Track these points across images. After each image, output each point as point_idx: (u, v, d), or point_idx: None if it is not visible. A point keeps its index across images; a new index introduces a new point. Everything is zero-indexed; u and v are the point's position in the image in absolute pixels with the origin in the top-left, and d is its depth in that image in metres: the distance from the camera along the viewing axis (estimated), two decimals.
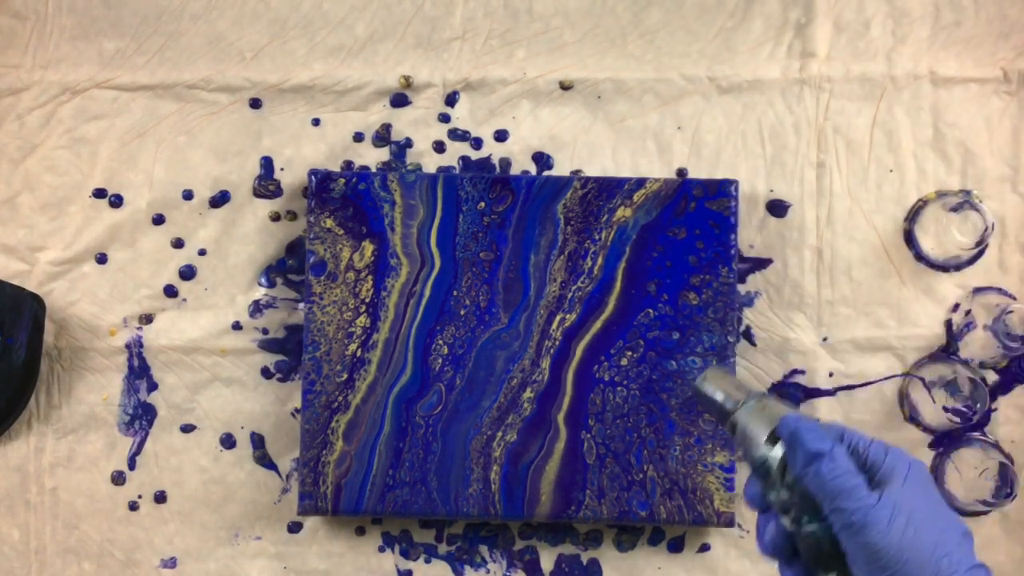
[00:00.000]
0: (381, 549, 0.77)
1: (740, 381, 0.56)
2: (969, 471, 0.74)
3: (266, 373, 0.77)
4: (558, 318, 0.73)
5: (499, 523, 0.76)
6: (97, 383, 0.77)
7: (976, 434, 0.75)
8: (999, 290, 0.76)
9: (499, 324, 0.73)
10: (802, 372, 0.76)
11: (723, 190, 0.74)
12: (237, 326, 0.77)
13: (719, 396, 0.55)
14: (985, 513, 0.75)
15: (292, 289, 0.78)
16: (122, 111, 0.78)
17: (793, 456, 0.52)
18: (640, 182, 0.74)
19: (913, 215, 0.76)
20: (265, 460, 0.77)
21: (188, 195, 0.78)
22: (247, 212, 0.78)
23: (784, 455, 0.52)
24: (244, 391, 0.77)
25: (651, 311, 0.73)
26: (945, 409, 0.74)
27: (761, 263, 0.77)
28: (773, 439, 0.53)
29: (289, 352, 0.77)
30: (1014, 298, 0.76)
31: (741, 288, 0.76)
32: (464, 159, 0.78)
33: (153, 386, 0.77)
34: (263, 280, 0.78)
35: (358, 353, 0.73)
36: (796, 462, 0.51)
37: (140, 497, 0.77)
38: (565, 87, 0.78)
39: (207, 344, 0.77)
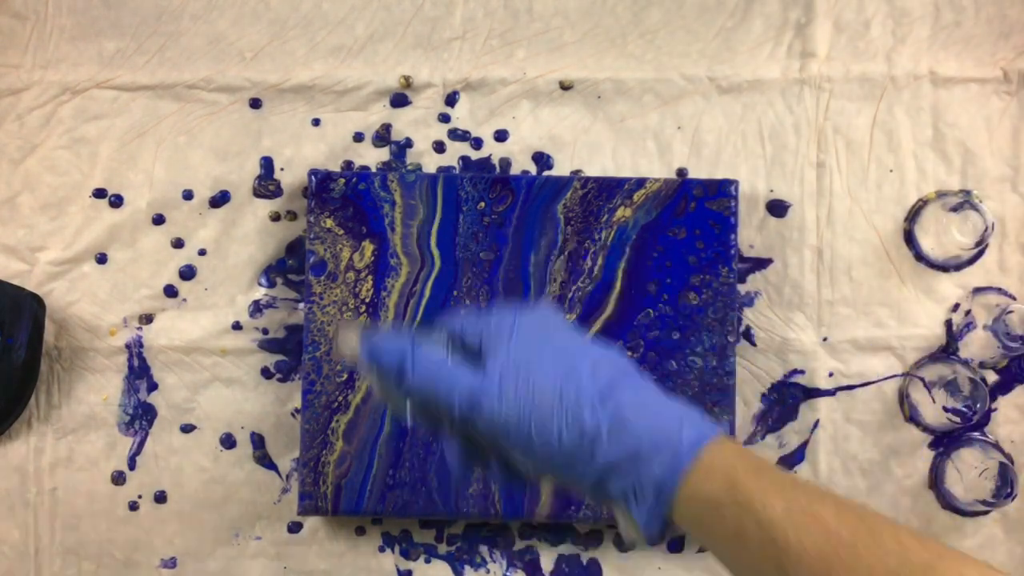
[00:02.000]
0: (381, 549, 0.77)
1: (357, 326, 0.53)
2: (969, 471, 0.74)
3: (266, 373, 0.77)
4: None
5: (499, 523, 0.76)
6: (97, 383, 0.77)
7: (976, 434, 0.75)
8: (999, 290, 0.76)
9: None
10: (802, 372, 0.76)
11: (723, 190, 0.74)
12: (237, 326, 0.77)
13: (348, 355, 0.52)
14: (985, 513, 0.75)
15: (292, 289, 0.78)
16: (122, 111, 0.78)
17: (387, 383, 0.49)
18: (640, 182, 0.74)
19: (913, 215, 0.76)
20: (265, 460, 0.77)
21: (188, 195, 0.78)
22: (247, 212, 0.78)
23: None
24: (244, 391, 0.77)
25: (651, 311, 0.73)
26: (945, 409, 0.74)
27: (761, 263, 0.77)
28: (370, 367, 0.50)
29: (289, 352, 0.77)
30: (1014, 298, 0.76)
31: (741, 288, 0.76)
32: (464, 159, 0.78)
33: (153, 386, 0.77)
34: (263, 280, 0.78)
35: None
36: (390, 386, 0.49)
37: (140, 497, 0.77)
38: (565, 87, 0.78)
39: (207, 344, 0.77)
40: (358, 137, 0.78)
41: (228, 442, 0.77)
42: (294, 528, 0.77)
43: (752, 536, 0.43)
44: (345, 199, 0.74)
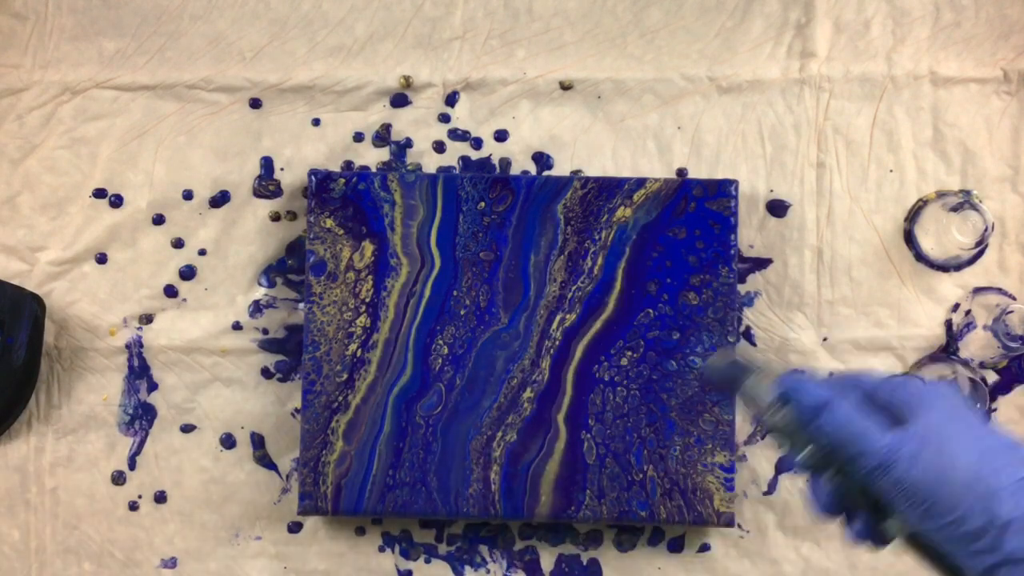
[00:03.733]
0: (381, 549, 0.77)
1: (743, 357, 0.55)
2: None
3: (266, 373, 0.77)
4: (558, 318, 0.73)
5: (499, 523, 0.76)
6: (97, 383, 0.77)
7: None
8: (999, 290, 0.76)
9: (499, 324, 0.73)
10: (802, 372, 0.76)
11: (723, 190, 0.74)
12: (237, 326, 0.77)
13: (727, 378, 0.54)
14: None
15: (292, 289, 0.78)
16: (122, 111, 0.78)
17: (799, 415, 0.50)
18: (640, 182, 0.74)
19: (913, 215, 0.76)
20: (265, 460, 0.77)
21: (188, 195, 0.78)
22: (247, 212, 0.78)
23: (794, 415, 0.51)
24: (244, 391, 0.77)
25: (651, 311, 0.73)
26: None
27: (761, 263, 0.77)
28: (782, 402, 0.51)
29: (289, 352, 0.77)
30: (1014, 298, 0.76)
31: (741, 288, 0.76)
32: (464, 159, 0.78)
33: (153, 386, 0.77)
34: (263, 280, 0.78)
35: (358, 353, 0.73)
36: (802, 420, 0.50)
37: (140, 497, 0.77)
38: (565, 87, 0.78)
39: (207, 344, 0.77)
40: (358, 137, 0.78)
41: (228, 442, 0.77)
42: (294, 528, 0.77)
43: None
44: (345, 199, 0.74)
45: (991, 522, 0.46)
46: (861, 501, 0.50)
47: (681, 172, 0.77)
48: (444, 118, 0.78)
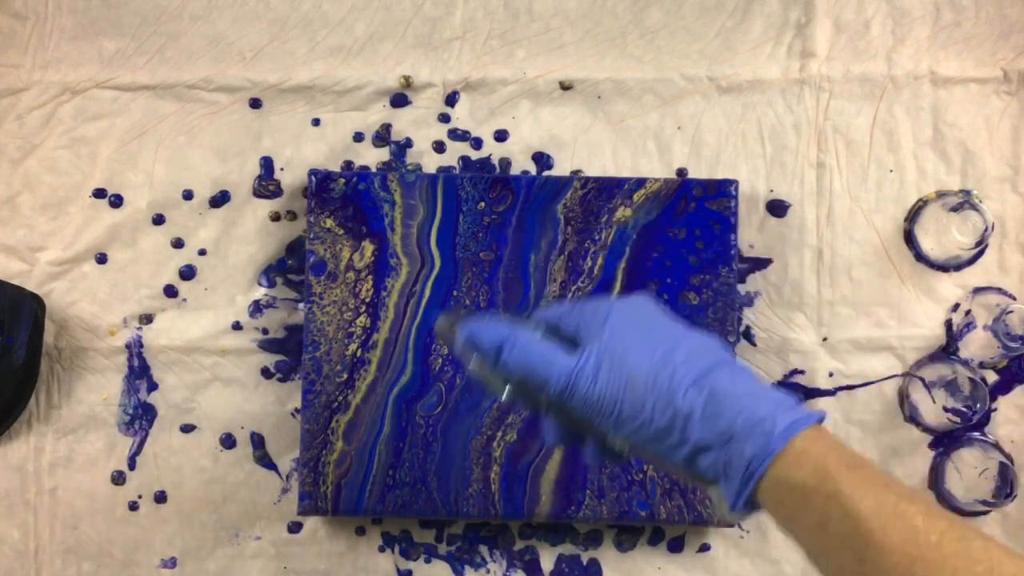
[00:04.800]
0: (381, 549, 0.77)
1: (459, 312, 0.55)
2: (969, 471, 0.74)
3: (266, 373, 0.77)
4: None
5: (499, 523, 0.76)
6: (97, 383, 0.77)
7: (976, 434, 0.75)
8: (999, 290, 0.76)
9: None
10: (802, 372, 0.76)
11: (723, 190, 0.74)
12: (237, 326, 0.77)
13: (447, 339, 0.56)
14: (985, 513, 0.75)
15: (292, 289, 0.78)
16: (122, 111, 0.78)
17: (485, 356, 0.52)
18: (640, 182, 0.74)
19: (913, 215, 0.76)
20: (265, 460, 0.77)
21: (188, 195, 0.78)
22: (247, 212, 0.78)
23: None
24: (244, 391, 0.77)
25: None
26: (945, 409, 0.74)
27: (761, 263, 0.77)
28: (470, 347, 0.53)
29: (289, 352, 0.77)
30: (1014, 298, 0.76)
31: (741, 288, 0.76)
32: (464, 159, 0.78)
33: (153, 386, 0.77)
34: (263, 280, 0.78)
35: (358, 353, 0.73)
36: (488, 361, 0.52)
37: (140, 497, 0.77)
38: (565, 87, 0.78)
39: (207, 344, 0.77)
40: (358, 137, 0.78)
41: (228, 442, 0.77)
42: (294, 528, 0.77)
43: (836, 526, 0.44)
44: (345, 199, 0.74)
45: (675, 417, 0.48)
46: (582, 425, 0.52)
47: (681, 172, 0.77)
48: (444, 118, 0.78)
